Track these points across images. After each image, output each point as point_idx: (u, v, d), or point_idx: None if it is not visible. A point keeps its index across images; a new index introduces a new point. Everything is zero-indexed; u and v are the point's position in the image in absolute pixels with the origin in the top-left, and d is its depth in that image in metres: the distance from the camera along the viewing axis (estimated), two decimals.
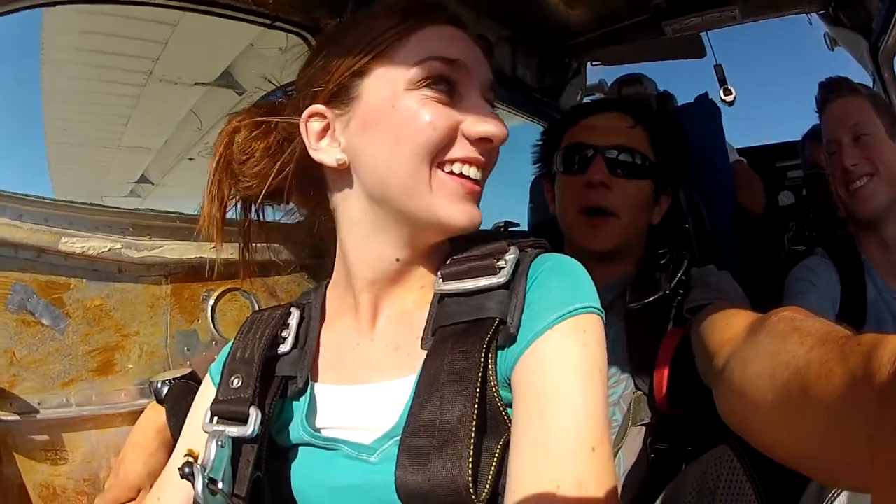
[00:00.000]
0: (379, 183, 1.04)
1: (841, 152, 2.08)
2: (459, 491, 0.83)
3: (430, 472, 0.85)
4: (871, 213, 2.08)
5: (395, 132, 1.01)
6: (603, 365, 0.94)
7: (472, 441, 0.85)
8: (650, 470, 1.49)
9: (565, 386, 0.89)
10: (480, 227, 1.14)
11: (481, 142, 1.02)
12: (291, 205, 1.31)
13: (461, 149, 1.01)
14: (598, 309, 0.98)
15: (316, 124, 1.09)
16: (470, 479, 0.83)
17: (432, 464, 0.85)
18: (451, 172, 1.02)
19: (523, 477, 0.86)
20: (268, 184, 1.16)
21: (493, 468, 0.89)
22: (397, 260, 1.09)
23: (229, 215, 1.23)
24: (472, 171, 1.03)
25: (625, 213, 1.72)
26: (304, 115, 1.09)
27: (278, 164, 1.15)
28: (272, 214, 1.33)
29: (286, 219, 1.35)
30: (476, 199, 1.05)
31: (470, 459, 0.84)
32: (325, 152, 1.09)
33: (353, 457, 1.03)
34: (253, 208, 1.25)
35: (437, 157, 1.01)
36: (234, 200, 1.23)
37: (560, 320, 0.94)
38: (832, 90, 2.18)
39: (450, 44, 1.04)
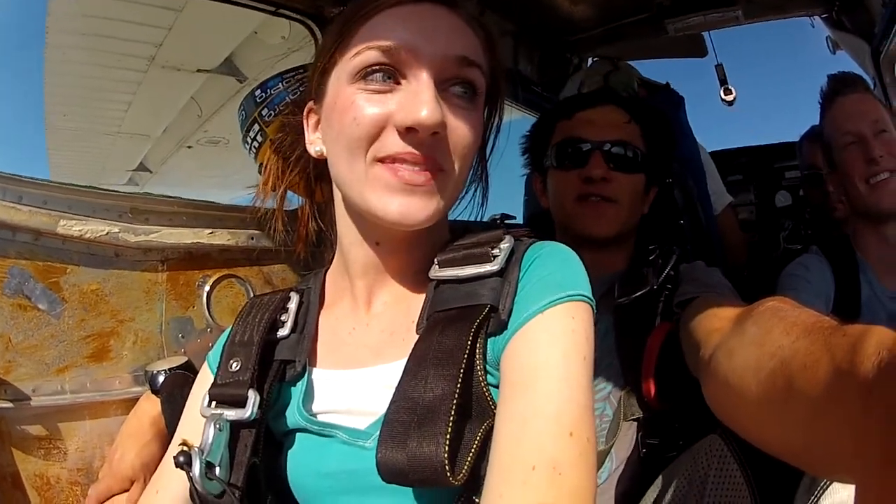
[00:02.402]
0: (335, 174, 1.10)
1: (867, 144, 2.06)
2: (435, 468, 0.83)
3: (408, 448, 0.85)
4: (891, 207, 2.07)
5: (336, 127, 1.04)
6: (588, 352, 0.94)
7: (452, 419, 0.86)
8: (642, 464, 1.51)
9: (548, 369, 0.90)
10: (475, 220, 1.16)
11: (410, 132, 0.97)
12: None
13: (391, 144, 0.99)
14: (588, 298, 0.99)
15: (311, 119, 1.18)
16: (446, 456, 0.83)
17: (411, 440, 0.85)
18: (389, 164, 1.00)
19: (500, 455, 0.87)
20: (293, 173, 1.28)
21: (473, 451, 0.89)
22: (377, 244, 1.11)
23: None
24: (407, 167, 0.99)
25: (624, 201, 1.74)
26: (304, 110, 1.19)
27: (296, 155, 1.26)
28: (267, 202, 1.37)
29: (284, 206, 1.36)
30: (418, 190, 1.00)
31: (448, 436, 0.84)
32: (313, 144, 1.17)
33: (348, 442, 1.03)
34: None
35: (371, 151, 1.00)
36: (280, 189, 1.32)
37: (550, 305, 0.95)
38: (847, 84, 2.18)
39: (394, 27, 1.01)
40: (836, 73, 2.24)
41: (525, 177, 2.30)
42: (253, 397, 1.04)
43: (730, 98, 3.24)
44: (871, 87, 2.60)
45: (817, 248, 2.21)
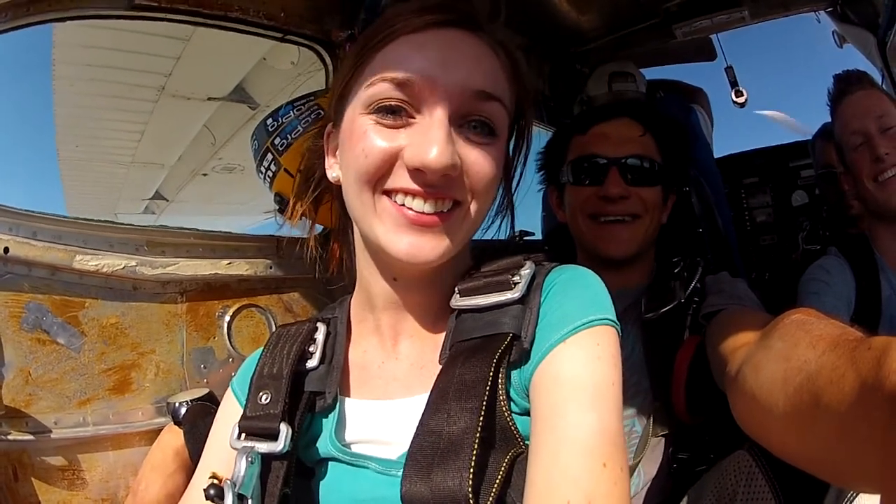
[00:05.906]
0: (347, 203, 1.07)
1: (872, 142, 2.04)
2: (459, 502, 0.82)
3: (432, 483, 0.84)
4: None
5: (347, 156, 1.03)
6: (617, 378, 0.92)
7: (475, 453, 0.85)
8: (672, 479, 1.48)
9: (578, 400, 0.88)
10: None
11: (419, 172, 0.94)
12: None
13: (400, 178, 0.96)
14: (613, 321, 0.97)
15: (331, 143, 1.15)
16: (470, 491, 0.82)
17: (435, 475, 0.85)
18: (395, 201, 0.98)
19: (535, 491, 0.86)
20: (314, 195, 1.24)
21: (497, 481, 0.88)
22: (395, 279, 1.08)
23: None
24: (416, 203, 0.97)
25: (644, 216, 1.72)
26: (325, 133, 1.16)
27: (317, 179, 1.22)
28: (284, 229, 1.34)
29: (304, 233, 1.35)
30: (428, 230, 0.98)
31: (471, 471, 0.83)
32: (331, 169, 1.15)
33: (379, 472, 1.02)
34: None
35: (379, 184, 0.98)
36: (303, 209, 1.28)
37: (574, 332, 0.93)
38: (852, 82, 2.15)
39: (410, 55, 0.97)
40: (840, 73, 2.22)
41: (542, 191, 2.28)
42: (285, 430, 1.03)
43: (741, 100, 3.21)
44: (880, 79, 2.59)
45: (836, 250, 2.17)
